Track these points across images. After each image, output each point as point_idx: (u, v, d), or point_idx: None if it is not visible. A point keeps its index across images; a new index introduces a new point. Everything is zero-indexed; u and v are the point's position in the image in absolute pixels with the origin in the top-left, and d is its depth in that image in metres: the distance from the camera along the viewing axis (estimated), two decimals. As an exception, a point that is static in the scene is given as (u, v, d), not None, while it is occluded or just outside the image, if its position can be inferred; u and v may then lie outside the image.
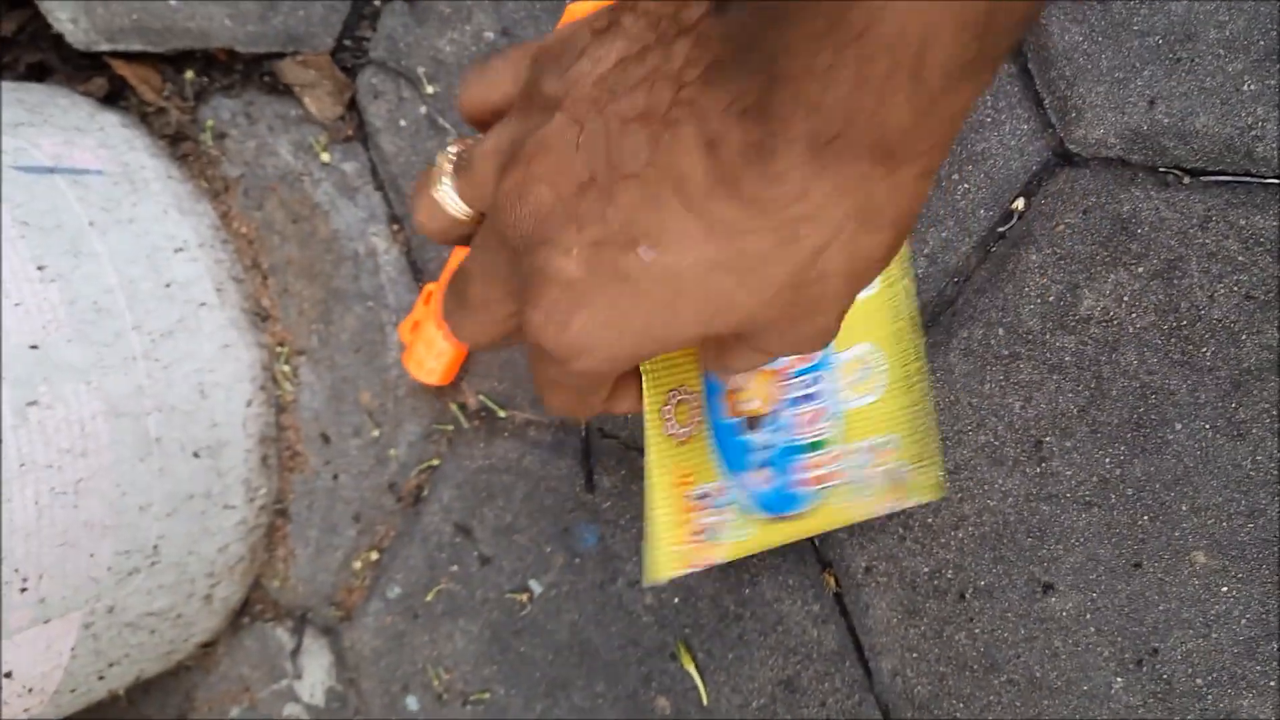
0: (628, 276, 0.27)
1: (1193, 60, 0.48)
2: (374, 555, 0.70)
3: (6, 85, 0.71)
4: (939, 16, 0.21)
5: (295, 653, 0.74)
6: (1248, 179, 0.47)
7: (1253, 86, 0.47)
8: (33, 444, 0.58)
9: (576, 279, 0.28)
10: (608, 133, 0.27)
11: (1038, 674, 0.53)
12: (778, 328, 0.29)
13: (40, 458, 0.59)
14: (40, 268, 0.61)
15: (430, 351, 0.61)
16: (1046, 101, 0.50)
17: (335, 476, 0.71)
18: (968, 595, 0.54)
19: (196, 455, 0.67)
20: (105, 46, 0.70)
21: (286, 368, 0.71)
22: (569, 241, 0.28)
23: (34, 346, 0.59)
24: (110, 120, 0.71)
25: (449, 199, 0.33)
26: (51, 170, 0.65)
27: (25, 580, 0.59)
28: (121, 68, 0.71)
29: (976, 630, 0.54)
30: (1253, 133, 0.47)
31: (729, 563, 0.59)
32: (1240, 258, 0.48)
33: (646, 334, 0.28)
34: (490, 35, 0.61)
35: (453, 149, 0.34)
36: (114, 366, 0.63)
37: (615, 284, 0.28)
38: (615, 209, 0.27)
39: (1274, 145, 0.47)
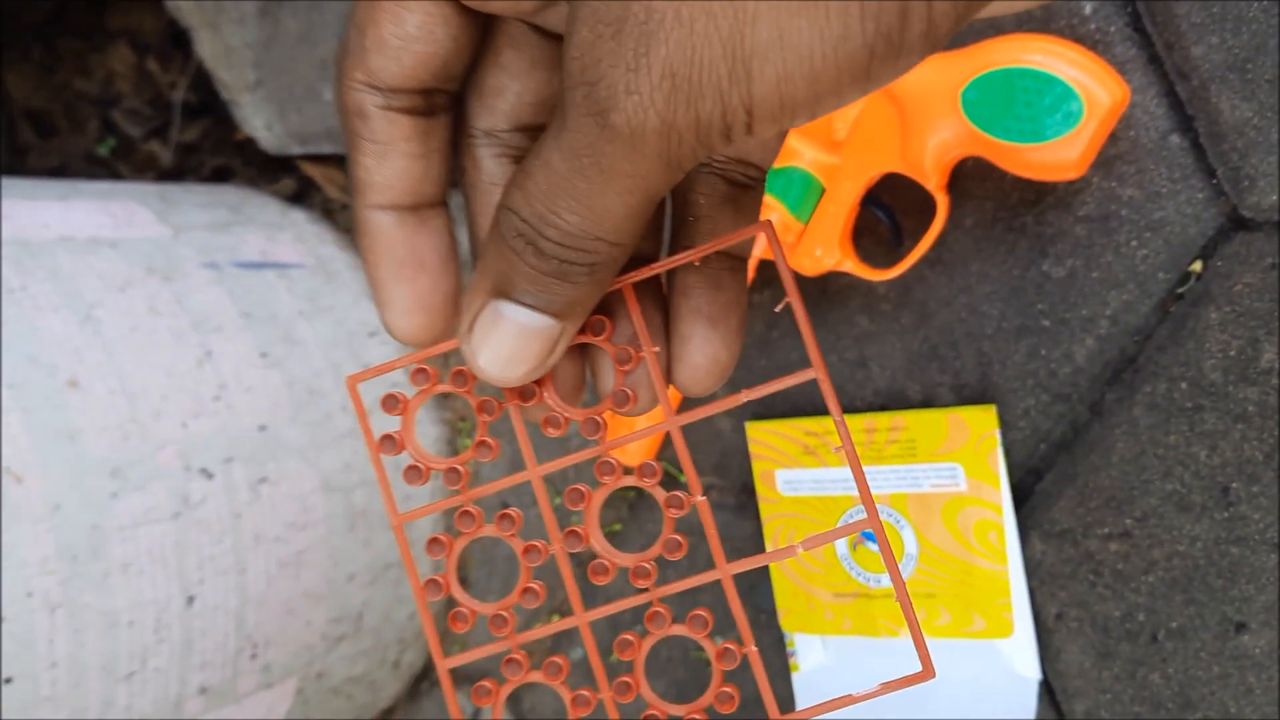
0: None
1: (1358, 131, 0.52)
2: (555, 617, 0.74)
3: (209, 187, 0.77)
4: None
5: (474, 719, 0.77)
6: None
7: None
8: (263, 519, 0.63)
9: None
10: None
11: (1233, 710, 0.55)
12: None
13: (270, 531, 0.63)
14: (263, 355, 0.66)
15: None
16: (1219, 172, 0.54)
17: (517, 543, 0.75)
18: (1160, 637, 0.57)
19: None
20: (297, 150, 0.76)
21: (468, 441, 0.75)
22: None
23: (262, 428, 0.64)
24: (299, 217, 0.77)
25: None
26: (261, 265, 0.70)
27: (256, 647, 0.63)
28: (310, 168, 0.77)
29: (1170, 670, 0.57)
30: None
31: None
32: None
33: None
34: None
35: None
36: (326, 444, 0.67)
37: None
38: None
39: None
